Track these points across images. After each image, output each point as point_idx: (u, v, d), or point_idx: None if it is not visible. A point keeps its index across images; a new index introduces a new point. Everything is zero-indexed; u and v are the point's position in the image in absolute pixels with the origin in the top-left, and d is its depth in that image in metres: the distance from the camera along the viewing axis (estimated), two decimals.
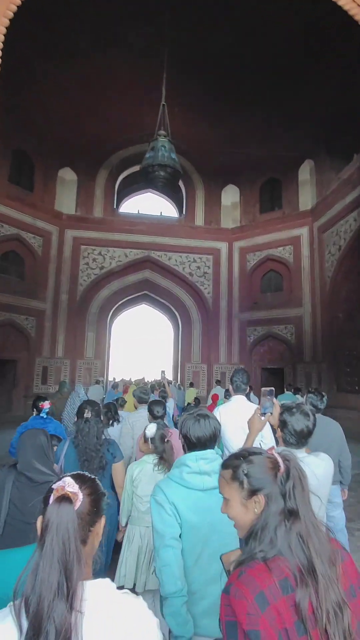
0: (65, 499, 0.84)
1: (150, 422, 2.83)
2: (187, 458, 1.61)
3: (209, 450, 1.64)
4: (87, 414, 2.60)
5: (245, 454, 1.04)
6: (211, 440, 1.66)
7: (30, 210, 13.66)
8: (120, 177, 16.08)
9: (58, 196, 14.77)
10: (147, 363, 34.71)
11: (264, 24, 10.76)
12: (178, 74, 11.58)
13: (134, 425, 3.71)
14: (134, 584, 2.25)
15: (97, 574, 0.93)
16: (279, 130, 14.39)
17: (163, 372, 7.93)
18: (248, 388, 3.23)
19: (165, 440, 2.45)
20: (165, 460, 2.39)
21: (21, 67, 12.33)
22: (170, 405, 6.48)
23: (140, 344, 42.46)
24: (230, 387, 3.15)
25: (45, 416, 3.84)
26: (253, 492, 0.98)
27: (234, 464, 1.04)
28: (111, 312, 15.70)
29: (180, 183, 16.46)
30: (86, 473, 0.98)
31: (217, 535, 1.47)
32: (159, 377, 11.61)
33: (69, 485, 0.87)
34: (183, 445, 1.71)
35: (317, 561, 0.86)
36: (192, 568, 1.46)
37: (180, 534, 1.48)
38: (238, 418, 2.73)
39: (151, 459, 2.43)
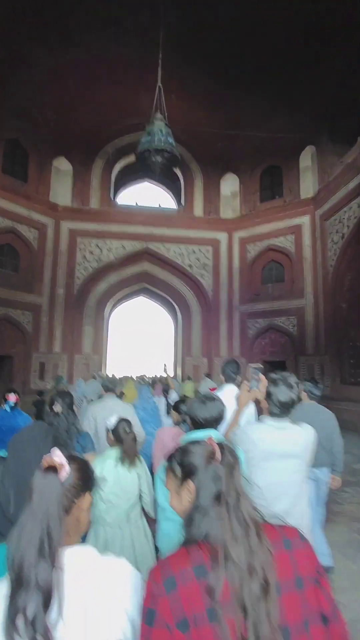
0: (51, 468, 0.90)
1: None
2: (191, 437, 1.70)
3: (212, 430, 1.75)
4: (57, 408, 2.54)
5: (184, 445, 1.04)
6: (217, 420, 1.82)
7: (24, 201, 13.31)
8: (116, 167, 15.69)
9: (53, 187, 14.40)
10: (146, 358, 34.35)
11: (265, 3, 10.32)
12: (175, 57, 11.17)
13: (96, 417, 3.57)
14: None
15: None
16: (280, 115, 13.97)
17: (165, 365, 7.89)
18: (238, 378, 3.26)
19: (127, 431, 2.38)
20: (127, 454, 2.31)
21: (13, 53, 11.94)
22: (173, 397, 6.46)
23: (139, 338, 42.01)
24: (222, 377, 3.15)
25: (9, 410, 3.70)
26: (184, 480, 0.98)
27: (171, 456, 1.06)
28: (109, 306, 15.39)
29: (178, 172, 16.09)
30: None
31: None
32: (160, 373, 11.41)
33: (56, 456, 0.93)
34: (188, 425, 1.80)
35: (233, 546, 0.82)
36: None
37: None
38: (228, 404, 2.70)
39: (113, 454, 2.34)
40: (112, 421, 2.42)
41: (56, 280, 14.03)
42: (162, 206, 16.15)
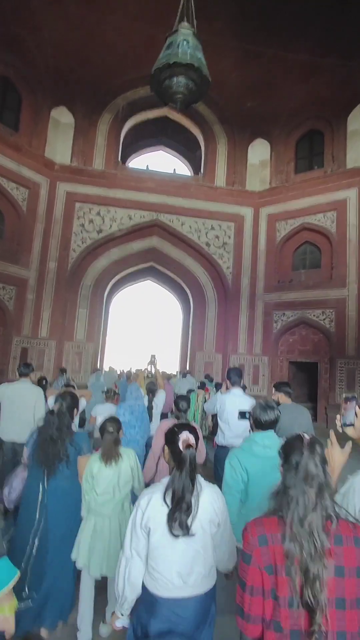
0: (191, 445, 1.70)
1: (173, 415, 3.75)
2: (256, 436, 2.40)
3: (270, 431, 2.42)
4: (55, 407, 2.65)
5: (290, 440, 1.37)
6: (274, 423, 2.43)
7: (13, 153, 11.00)
8: (127, 125, 13.31)
9: (50, 141, 12.07)
10: (150, 350, 31.78)
11: None
12: None
13: (11, 401, 4.10)
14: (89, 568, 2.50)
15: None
16: (325, 67, 11.55)
17: (153, 356, 5.92)
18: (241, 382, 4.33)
19: (110, 431, 2.65)
20: (104, 454, 2.58)
21: None
22: (160, 399, 5.30)
23: (143, 327, 39.24)
24: (228, 382, 4.21)
25: None
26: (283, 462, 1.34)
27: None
28: (109, 287, 13.07)
29: (199, 135, 13.70)
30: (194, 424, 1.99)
31: (270, 487, 1.68)
32: (143, 367, 9.07)
33: (189, 437, 1.72)
34: (251, 425, 2.50)
35: (295, 518, 1.18)
36: (255, 508, 1.97)
37: (242, 490, 2.29)
38: (236, 402, 3.86)
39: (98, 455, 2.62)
40: (98, 420, 3.36)
41: (48, 251, 11.73)
42: (178, 173, 13.74)
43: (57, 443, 2.48)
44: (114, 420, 2.71)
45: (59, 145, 12.21)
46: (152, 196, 12.50)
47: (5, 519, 2.72)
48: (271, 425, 2.42)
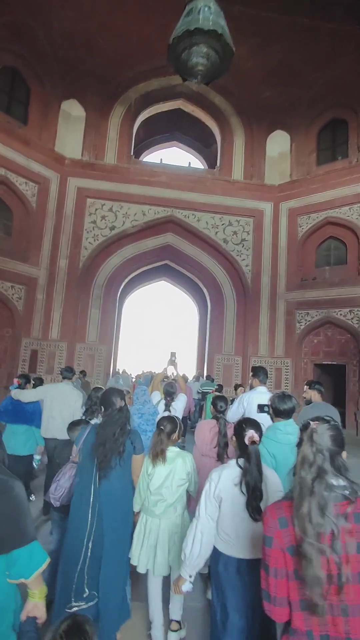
0: (255, 442, 1.96)
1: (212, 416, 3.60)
2: (279, 424, 2.65)
3: (291, 420, 2.69)
4: (118, 403, 2.58)
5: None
6: (291, 411, 2.68)
7: (22, 147, 10.53)
8: (139, 118, 12.78)
9: (60, 135, 11.59)
10: (164, 353, 30.93)
11: None
12: None
13: (52, 401, 4.46)
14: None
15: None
16: (351, 51, 10.89)
17: (174, 355, 5.15)
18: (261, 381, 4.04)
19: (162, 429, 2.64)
20: (151, 453, 2.57)
21: None
22: (181, 402, 4.62)
23: (157, 330, 38.34)
24: (255, 380, 3.99)
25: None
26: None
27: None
28: (122, 287, 12.48)
29: (215, 128, 13.11)
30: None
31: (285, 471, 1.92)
32: (162, 368, 8.30)
33: (254, 435, 1.97)
34: (270, 416, 2.80)
35: (317, 515, 1.19)
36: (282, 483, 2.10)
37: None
38: (263, 399, 3.40)
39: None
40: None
41: (58, 249, 11.21)
42: (193, 167, 13.15)
43: (118, 440, 2.41)
44: (168, 420, 2.66)
45: (70, 139, 11.72)
46: (166, 191, 11.92)
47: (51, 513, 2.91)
48: (289, 413, 2.68)
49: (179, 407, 4.56)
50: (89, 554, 2.23)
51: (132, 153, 12.34)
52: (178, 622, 2.52)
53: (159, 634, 2.44)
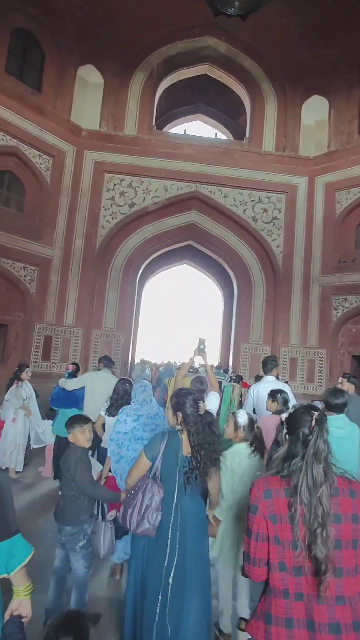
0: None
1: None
2: (330, 418, 2.03)
3: (342, 414, 2.74)
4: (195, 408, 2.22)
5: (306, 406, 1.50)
6: (343, 406, 2.75)
7: (36, 116, 9.73)
8: (162, 85, 11.76)
9: (76, 104, 10.72)
10: (186, 341, 29.73)
11: None
12: None
13: (92, 387, 4.74)
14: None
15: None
16: None
17: (202, 342, 4.10)
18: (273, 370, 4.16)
19: (256, 426, 2.65)
20: (256, 447, 2.56)
21: None
22: (214, 401, 4.01)
23: (178, 317, 37.16)
24: (264, 370, 4.20)
25: (67, 376, 5.50)
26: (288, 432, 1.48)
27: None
28: (142, 269, 11.63)
29: (244, 95, 11.97)
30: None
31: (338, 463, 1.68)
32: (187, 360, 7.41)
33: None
34: (323, 408, 2.74)
35: (304, 486, 1.34)
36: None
37: None
38: (269, 389, 3.50)
39: (242, 448, 2.57)
40: (244, 418, 2.63)
41: (74, 227, 10.44)
42: (220, 138, 12.08)
43: (206, 456, 2.13)
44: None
45: (87, 108, 10.84)
46: (190, 165, 10.93)
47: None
48: (341, 407, 2.79)
49: (213, 407, 3.74)
50: (169, 587, 1.90)
51: (153, 123, 11.37)
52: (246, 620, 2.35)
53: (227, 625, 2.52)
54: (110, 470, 3.11)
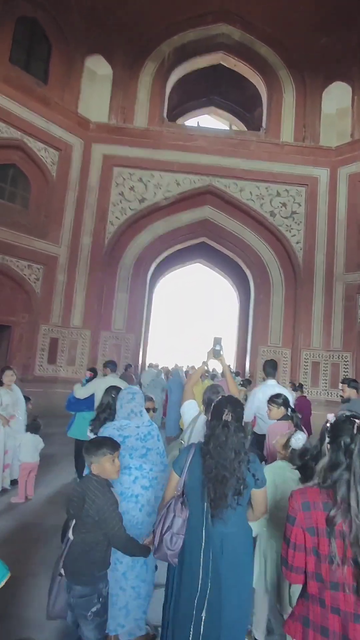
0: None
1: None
2: None
3: None
4: (227, 416, 1.77)
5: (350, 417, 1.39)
6: None
7: (42, 108, 9.29)
8: (173, 75, 11.24)
9: (84, 95, 10.27)
10: (198, 344, 28.74)
11: None
12: None
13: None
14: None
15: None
16: None
17: (218, 341, 3.31)
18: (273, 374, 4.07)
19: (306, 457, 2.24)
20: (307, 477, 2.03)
21: None
22: (190, 411, 3.11)
23: (191, 318, 35.98)
24: (264, 373, 4.15)
25: (85, 382, 5.14)
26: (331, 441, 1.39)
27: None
28: (153, 268, 11.06)
29: (260, 85, 11.36)
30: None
31: None
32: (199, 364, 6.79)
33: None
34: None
35: (353, 502, 1.24)
36: None
37: None
38: (268, 393, 3.44)
39: (285, 465, 2.35)
40: (300, 442, 2.34)
41: (81, 224, 9.94)
42: (235, 129, 11.47)
43: (237, 472, 1.71)
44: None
45: (95, 100, 10.38)
46: (204, 157, 10.34)
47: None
48: None
49: (189, 417, 3.04)
50: (201, 622, 1.66)
51: (164, 115, 10.83)
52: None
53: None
54: None
